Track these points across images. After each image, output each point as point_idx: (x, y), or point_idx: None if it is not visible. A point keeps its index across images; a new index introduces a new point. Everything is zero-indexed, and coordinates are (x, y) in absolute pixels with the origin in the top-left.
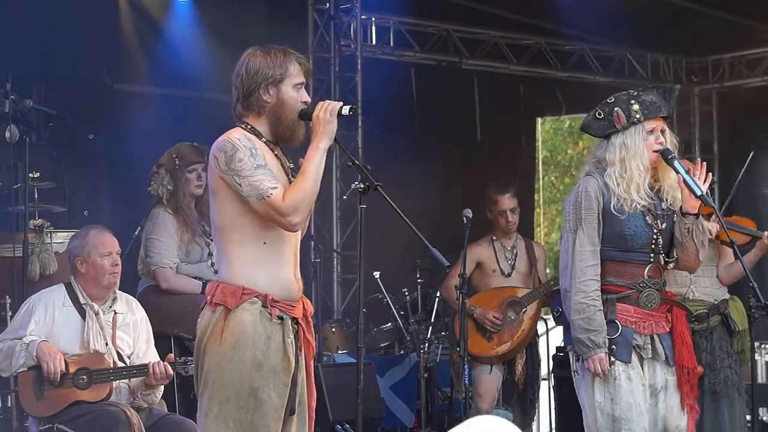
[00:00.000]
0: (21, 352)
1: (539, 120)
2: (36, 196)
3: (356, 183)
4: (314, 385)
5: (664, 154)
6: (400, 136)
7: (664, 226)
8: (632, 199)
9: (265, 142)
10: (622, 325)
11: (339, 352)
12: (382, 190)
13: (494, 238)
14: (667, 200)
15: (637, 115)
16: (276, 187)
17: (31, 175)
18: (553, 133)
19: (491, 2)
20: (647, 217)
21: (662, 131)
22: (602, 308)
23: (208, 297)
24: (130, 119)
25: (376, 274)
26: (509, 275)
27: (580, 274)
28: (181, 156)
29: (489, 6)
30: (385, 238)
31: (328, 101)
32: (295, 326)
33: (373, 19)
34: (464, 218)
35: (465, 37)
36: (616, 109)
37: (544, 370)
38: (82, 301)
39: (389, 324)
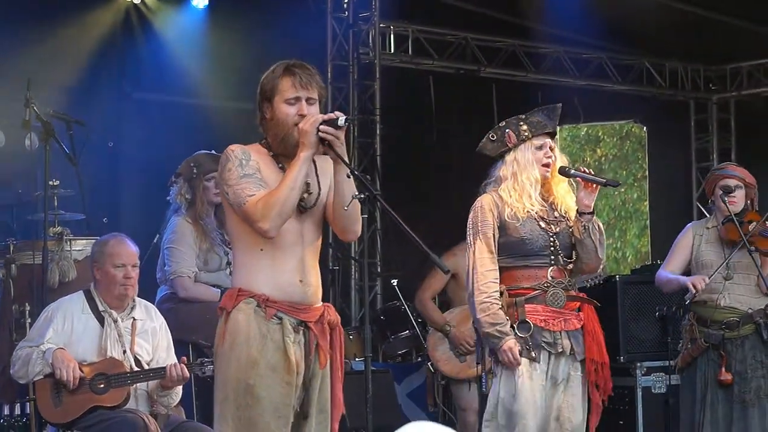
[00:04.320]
0: (37, 360)
1: (558, 128)
2: (56, 204)
3: (356, 193)
4: (340, 397)
5: (562, 171)
6: (419, 143)
7: (558, 229)
8: (524, 206)
9: (273, 156)
10: (533, 324)
11: (356, 359)
12: (380, 199)
13: None
14: (560, 209)
15: (526, 133)
16: (253, 195)
17: (50, 182)
18: (571, 141)
19: (510, 11)
20: (541, 223)
21: (551, 148)
22: (502, 306)
23: (220, 304)
24: (149, 127)
25: (394, 282)
26: None
27: (481, 278)
28: (199, 164)
29: (507, 14)
30: (404, 245)
31: (312, 115)
32: (301, 328)
33: (392, 27)
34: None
35: (483, 45)
36: (507, 130)
37: None
38: (100, 308)
39: (407, 331)
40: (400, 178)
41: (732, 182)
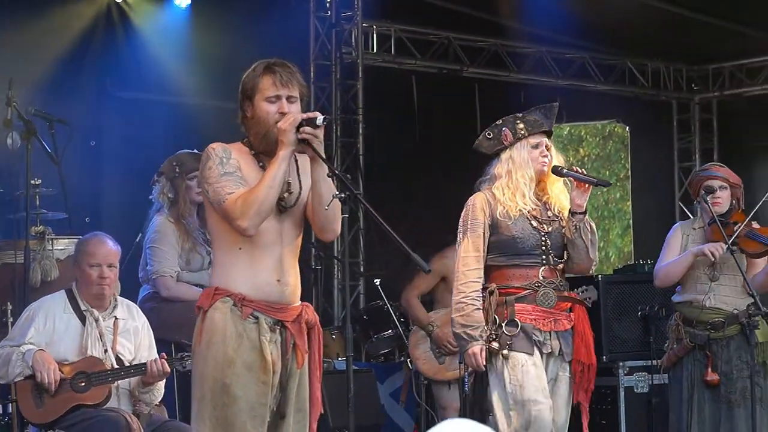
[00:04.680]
0: (17, 361)
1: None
2: (38, 203)
3: (336, 193)
4: (319, 397)
5: (555, 170)
6: (401, 143)
7: (550, 229)
8: (517, 205)
9: (254, 155)
10: (521, 323)
11: (339, 359)
12: (361, 198)
13: None
14: (554, 209)
15: (522, 131)
16: (232, 193)
17: (32, 181)
18: (554, 141)
19: (492, 10)
20: (533, 222)
21: (548, 147)
22: (481, 308)
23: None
24: (132, 126)
25: (377, 281)
26: None
27: (462, 277)
28: (181, 163)
29: (490, 14)
30: (387, 245)
31: (292, 113)
32: (278, 327)
33: (374, 26)
34: None
35: (466, 45)
36: (503, 128)
37: None
38: (82, 307)
39: (390, 331)
40: (382, 177)
41: (715, 183)
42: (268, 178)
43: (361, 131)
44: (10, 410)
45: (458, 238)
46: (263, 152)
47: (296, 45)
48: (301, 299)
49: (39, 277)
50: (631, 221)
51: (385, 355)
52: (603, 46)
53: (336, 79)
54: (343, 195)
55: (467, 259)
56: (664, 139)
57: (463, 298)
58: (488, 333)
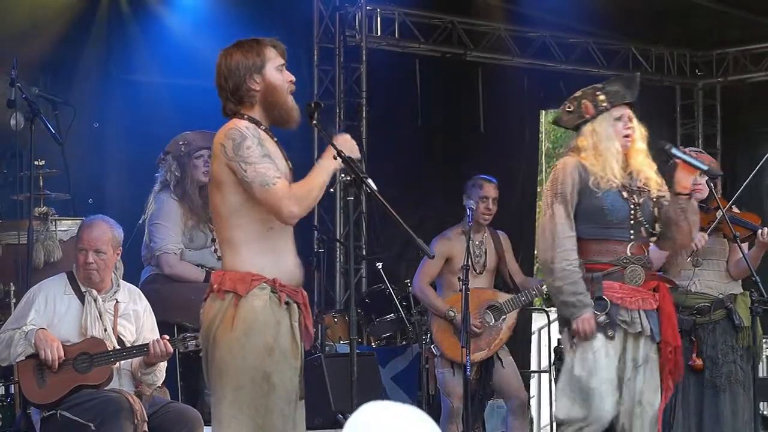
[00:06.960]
0: (20, 341)
1: (542, 112)
2: (41, 184)
3: (343, 175)
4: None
5: (665, 151)
6: (404, 127)
7: (641, 200)
8: (607, 177)
9: (264, 131)
10: (610, 302)
11: (341, 342)
12: (366, 182)
13: (464, 231)
14: (640, 180)
15: (604, 104)
16: (280, 177)
17: (36, 162)
18: (556, 125)
19: None
20: (623, 193)
21: (630, 119)
22: (582, 276)
23: (215, 285)
24: (135, 108)
25: (379, 265)
26: (481, 273)
27: (561, 244)
28: (188, 142)
29: None
30: (388, 228)
31: (352, 140)
32: (299, 311)
33: (378, 10)
34: (468, 210)
35: (469, 29)
36: (583, 101)
37: (545, 363)
38: (83, 288)
39: (391, 315)
40: (385, 161)
41: None
42: (321, 182)
43: (364, 115)
44: (12, 391)
45: (546, 201)
46: (275, 122)
47: (300, 28)
48: (303, 283)
49: (42, 257)
50: None
51: (387, 339)
52: (606, 30)
53: (339, 63)
54: (349, 178)
55: (563, 226)
56: (668, 124)
57: (567, 265)
58: None
